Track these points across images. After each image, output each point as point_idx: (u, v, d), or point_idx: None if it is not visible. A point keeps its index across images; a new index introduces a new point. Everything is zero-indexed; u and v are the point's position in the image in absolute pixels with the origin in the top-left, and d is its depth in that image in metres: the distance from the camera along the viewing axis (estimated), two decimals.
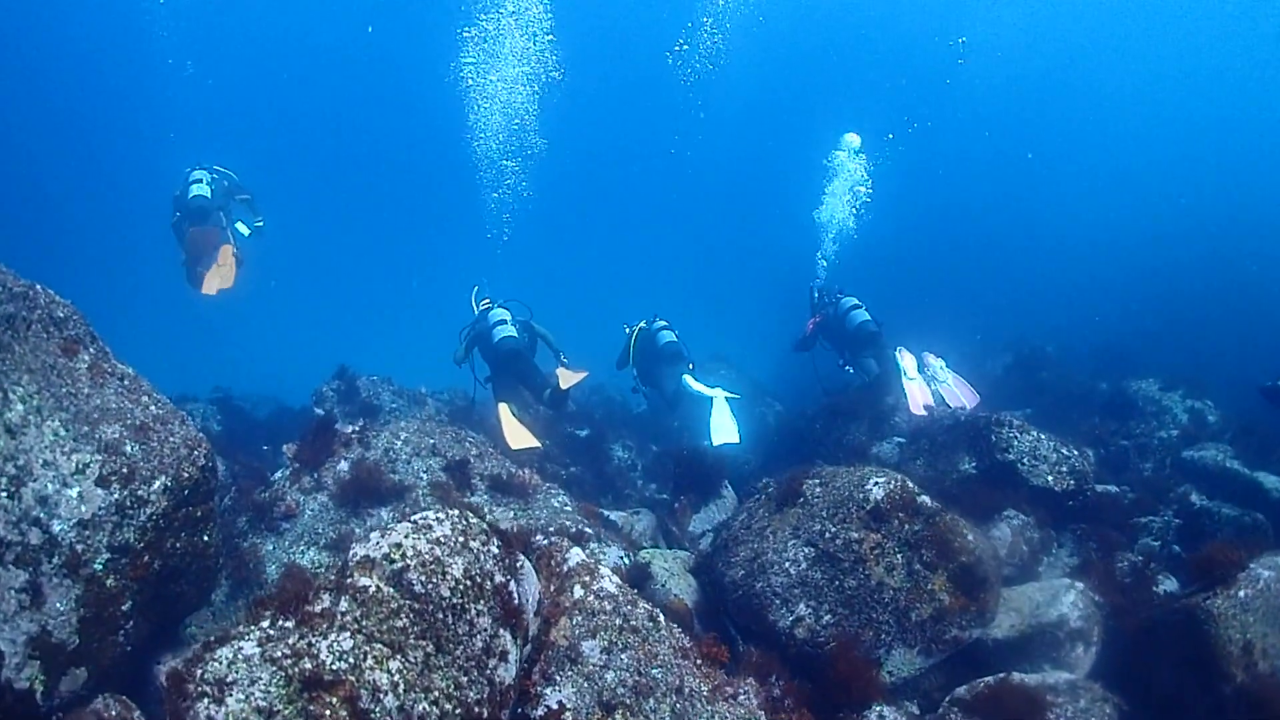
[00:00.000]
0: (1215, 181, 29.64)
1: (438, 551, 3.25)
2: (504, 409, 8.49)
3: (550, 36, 17.21)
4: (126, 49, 35.89)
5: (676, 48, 24.40)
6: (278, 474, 6.59)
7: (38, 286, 4.82)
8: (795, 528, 5.80)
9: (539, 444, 8.21)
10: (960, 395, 10.14)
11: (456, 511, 3.44)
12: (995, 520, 7.68)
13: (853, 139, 16.52)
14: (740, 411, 15.43)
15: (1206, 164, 32.22)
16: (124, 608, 4.37)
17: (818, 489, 6.05)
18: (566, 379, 9.38)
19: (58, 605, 4.08)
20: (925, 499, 5.91)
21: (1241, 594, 5.11)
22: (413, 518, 3.34)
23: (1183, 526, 8.21)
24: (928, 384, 10.13)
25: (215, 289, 11.52)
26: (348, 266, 48.52)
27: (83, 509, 4.37)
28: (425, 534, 3.25)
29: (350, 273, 48.66)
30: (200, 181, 11.98)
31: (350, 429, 6.52)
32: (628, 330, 12.25)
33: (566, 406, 10.12)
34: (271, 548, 6.06)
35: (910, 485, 5.96)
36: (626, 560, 6.12)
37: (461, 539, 3.32)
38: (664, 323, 11.34)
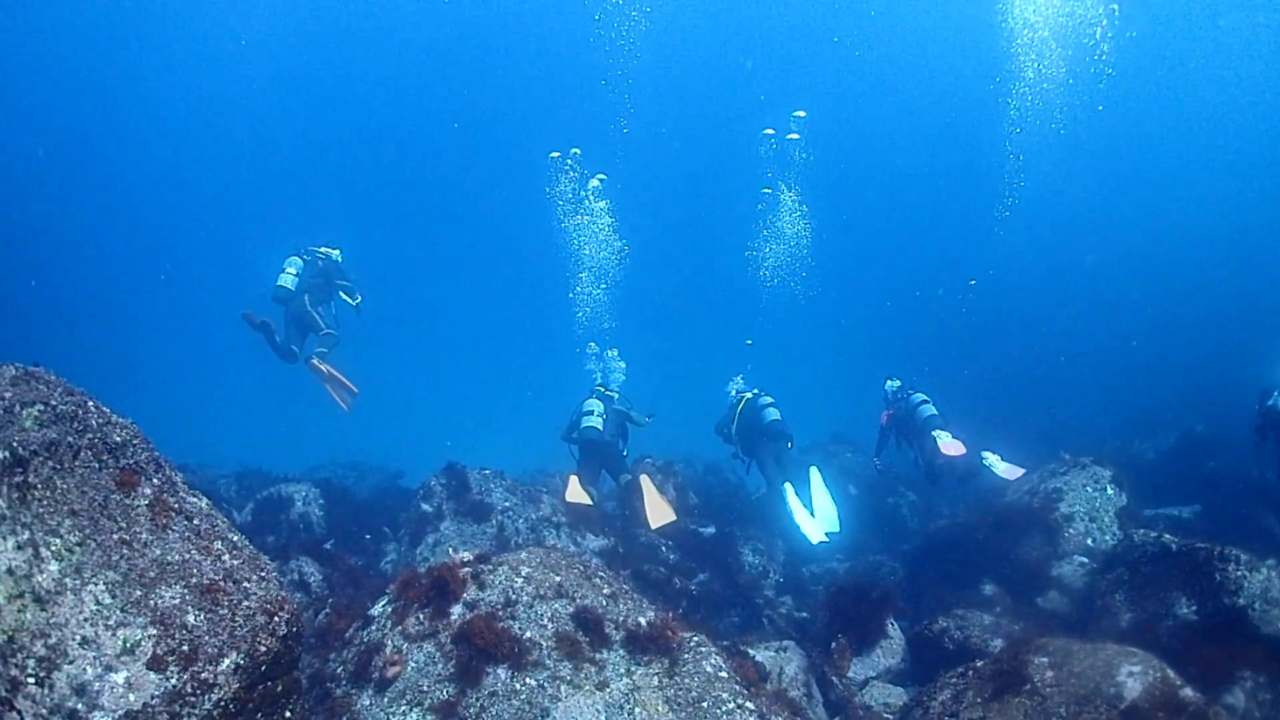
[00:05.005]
0: None
1: None
2: (645, 480, 9.77)
3: None
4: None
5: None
6: (377, 608, 5.58)
7: (89, 404, 3.94)
8: None
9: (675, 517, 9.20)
10: (1013, 469, 10.45)
11: None
12: (1227, 683, 6.29)
13: None
14: (869, 503, 14.22)
15: None
16: None
17: (1049, 673, 4.68)
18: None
19: None
20: (1188, 692, 4.55)
21: None
22: None
23: None
24: (989, 470, 10.49)
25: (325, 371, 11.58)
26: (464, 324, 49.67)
27: (130, 698, 3.41)
28: None
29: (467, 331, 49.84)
30: (286, 271, 11.68)
31: (463, 559, 5.46)
32: (734, 393, 12.06)
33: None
34: (368, 702, 5.05)
35: (1171, 676, 4.59)
36: None
37: None
38: (770, 399, 11.25)
